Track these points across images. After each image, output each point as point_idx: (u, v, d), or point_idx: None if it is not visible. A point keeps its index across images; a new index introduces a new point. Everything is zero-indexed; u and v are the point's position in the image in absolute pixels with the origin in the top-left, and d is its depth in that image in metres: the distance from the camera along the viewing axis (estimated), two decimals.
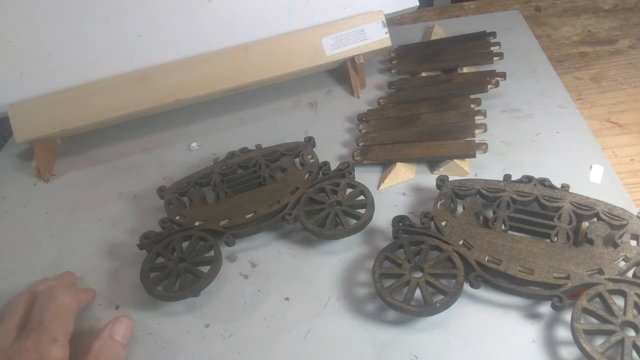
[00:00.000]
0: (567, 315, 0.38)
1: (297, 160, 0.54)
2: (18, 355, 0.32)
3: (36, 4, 0.60)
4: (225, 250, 0.48)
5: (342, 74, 0.68)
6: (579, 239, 0.42)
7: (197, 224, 0.48)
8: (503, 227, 0.43)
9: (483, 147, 0.50)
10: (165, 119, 0.67)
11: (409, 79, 0.64)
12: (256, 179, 0.52)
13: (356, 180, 0.50)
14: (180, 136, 0.65)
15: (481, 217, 0.45)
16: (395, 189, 0.52)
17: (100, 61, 0.62)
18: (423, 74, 0.64)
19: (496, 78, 0.58)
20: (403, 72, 0.66)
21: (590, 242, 0.41)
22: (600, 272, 0.38)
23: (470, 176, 0.51)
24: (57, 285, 0.39)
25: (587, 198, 0.43)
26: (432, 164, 0.53)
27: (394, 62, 0.67)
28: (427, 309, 0.38)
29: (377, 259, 0.42)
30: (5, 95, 0.61)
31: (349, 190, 0.49)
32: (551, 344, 0.38)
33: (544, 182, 0.46)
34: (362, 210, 0.46)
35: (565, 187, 0.45)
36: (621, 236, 0.40)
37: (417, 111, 0.58)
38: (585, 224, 0.42)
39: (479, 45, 0.65)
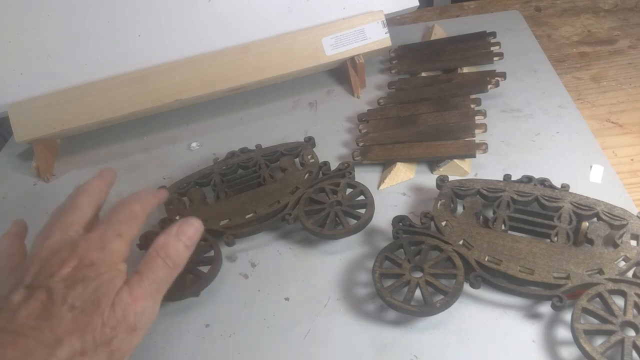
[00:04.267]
0: (567, 315, 0.38)
1: (297, 160, 0.54)
2: (83, 242, 0.32)
3: (36, 4, 0.60)
4: (225, 250, 0.48)
5: (342, 74, 0.68)
6: (579, 239, 0.42)
7: None
8: (503, 227, 0.43)
9: (483, 147, 0.50)
10: (165, 119, 0.67)
11: (409, 79, 0.64)
12: (256, 179, 0.52)
13: (356, 180, 0.50)
14: (180, 136, 0.65)
15: (481, 217, 0.45)
16: (395, 189, 0.52)
17: (100, 61, 0.62)
18: (423, 74, 0.64)
19: (496, 78, 0.58)
20: (403, 72, 0.66)
21: (590, 242, 0.41)
22: (600, 272, 0.38)
23: (470, 176, 0.51)
24: (132, 194, 0.38)
25: (587, 198, 0.43)
26: (432, 164, 0.53)
27: (394, 62, 0.67)
28: (427, 309, 0.38)
29: (377, 259, 0.42)
30: (5, 95, 0.61)
31: (349, 190, 0.49)
32: (551, 344, 0.38)
33: (544, 182, 0.46)
34: (362, 210, 0.46)
35: (565, 187, 0.45)
36: (621, 236, 0.40)
37: (417, 111, 0.58)
38: (585, 224, 0.42)
39: (479, 45, 0.65)
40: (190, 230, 0.35)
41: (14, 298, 0.30)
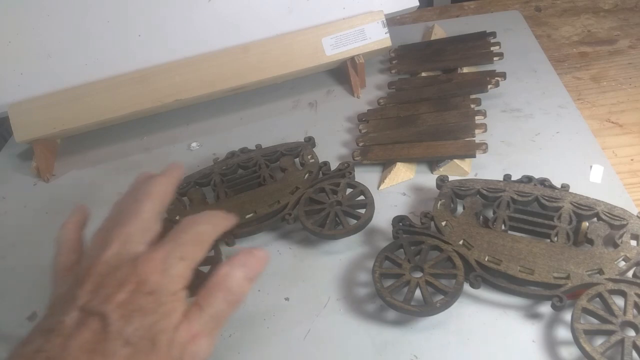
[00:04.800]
0: (567, 315, 0.38)
1: (297, 160, 0.54)
2: (145, 261, 0.30)
3: (36, 4, 0.60)
4: (225, 250, 0.48)
5: (342, 74, 0.68)
6: (579, 239, 0.42)
7: None
8: (503, 227, 0.43)
9: (483, 147, 0.51)
10: (165, 119, 0.67)
11: (409, 79, 0.64)
12: (256, 179, 0.52)
13: (356, 180, 0.50)
14: (180, 136, 0.65)
15: (481, 217, 0.45)
16: (395, 189, 0.52)
17: (100, 61, 0.62)
18: (423, 74, 0.64)
19: (496, 78, 0.58)
20: (403, 72, 0.66)
21: (590, 242, 0.41)
22: (600, 272, 0.38)
23: (470, 176, 0.51)
24: (202, 214, 0.35)
25: (587, 198, 0.43)
26: (432, 164, 0.53)
27: (394, 62, 0.67)
28: (427, 309, 0.38)
29: (377, 259, 0.42)
30: (5, 95, 0.61)
31: (349, 190, 0.49)
32: (551, 344, 0.38)
33: (544, 182, 0.46)
34: (362, 210, 0.46)
35: (565, 187, 0.45)
36: (621, 236, 0.40)
37: (417, 111, 0.58)
38: (585, 224, 0.42)
39: (479, 45, 0.65)
40: (253, 261, 0.33)
41: (67, 321, 0.28)
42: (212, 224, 0.34)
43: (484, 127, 0.53)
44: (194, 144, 0.63)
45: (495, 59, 0.62)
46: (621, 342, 0.34)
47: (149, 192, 0.34)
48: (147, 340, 0.28)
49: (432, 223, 0.44)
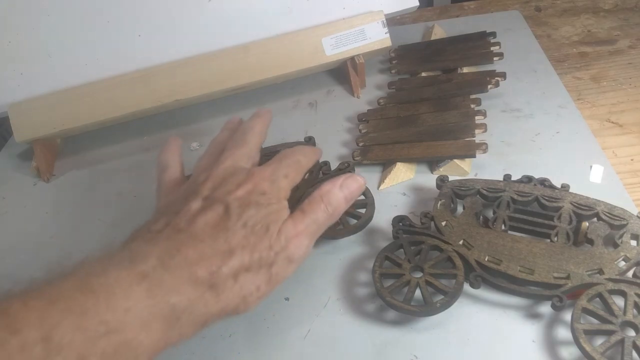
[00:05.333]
0: (567, 315, 0.38)
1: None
2: (257, 171, 0.36)
3: (36, 4, 0.60)
4: None
5: (342, 74, 0.68)
6: (579, 239, 0.42)
7: None
8: (503, 227, 0.43)
9: (483, 147, 0.51)
10: (165, 119, 0.67)
11: (409, 79, 0.64)
12: None
13: None
14: (180, 136, 0.64)
15: (481, 217, 0.45)
16: (395, 189, 0.52)
17: (100, 61, 0.62)
18: (423, 74, 0.64)
19: (496, 78, 0.58)
20: (403, 72, 0.66)
21: (590, 242, 0.41)
22: (600, 272, 0.38)
23: (470, 176, 0.51)
24: (298, 147, 0.41)
25: (587, 198, 0.43)
26: (432, 164, 0.53)
27: (394, 62, 0.67)
28: (427, 309, 0.38)
29: (377, 259, 0.42)
30: (5, 95, 0.61)
31: None
32: (551, 344, 0.38)
33: (544, 182, 0.46)
34: (362, 210, 0.46)
35: (565, 187, 0.45)
36: (621, 236, 0.40)
37: (417, 111, 0.58)
38: (585, 224, 0.42)
39: (479, 45, 0.65)
40: (354, 185, 0.37)
41: (193, 205, 0.33)
42: (306, 156, 0.40)
43: (484, 127, 0.53)
44: (194, 144, 0.63)
45: (495, 59, 0.62)
46: (621, 342, 0.34)
47: (253, 128, 0.41)
48: (261, 225, 0.33)
49: (432, 223, 0.44)
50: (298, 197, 0.49)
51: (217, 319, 0.31)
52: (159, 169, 0.42)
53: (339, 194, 0.37)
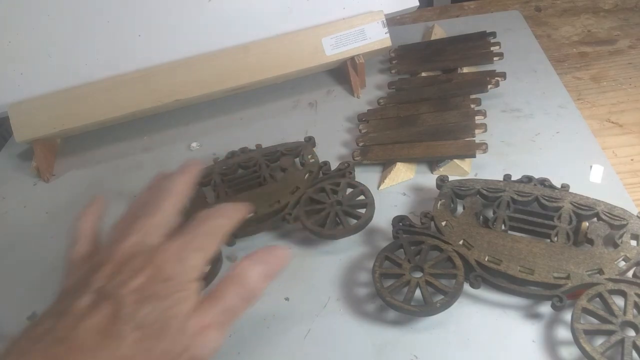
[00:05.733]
0: (567, 315, 0.38)
1: (297, 160, 0.54)
2: (162, 250, 0.30)
3: (36, 4, 0.60)
4: (225, 250, 0.48)
5: (342, 74, 0.68)
6: (579, 239, 0.42)
7: None
8: (503, 227, 0.43)
9: (483, 147, 0.51)
10: (165, 119, 0.67)
11: (409, 79, 0.64)
12: (256, 179, 0.52)
13: (356, 180, 0.50)
14: (180, 136, 0.65)
15: (481, 217, 0.45)
16: (395, 189, 0.52)
17: (100, 61, 0.62)
18: (423, 74, 0.64)
19: (496, 78, 0.58)
20: (403, 72, 0.66)
21: (590, 242, 0.41)
22: (600, 272, 0.38)
23: (470, 176, 0.51)
24: (217, 208, 0.35)
25: (587, 198, 0.43)
26: (432, 164, 0.53)
27: (394, 62, 0.67)
28: (427, 309, 0.38)
29: (377, 259, 0.42)
30: (5, 95, 0.61)
31: (349, 190, 0.49)
32: (551, 344, 0.38)
33: (544, 182, 0.46)
34: (362, 210, 0.46)
35: (565, 187, 0.45)
36: (621, 236, 0.40)
37: (417, 111, 0.58)
38: (585, 224, 0.42)
39: (479, 45, 0.65)
40: (275, 260, 0.33)
41: (80, 303, 0.28)
42: (226, 217, 0.34)
43: (484, 127, 0.53)
44: (194, 144, 0.63)
45: (495, 59, 0.62)
46: (621, 342, 0.34)
47: (170, 190, 0.35)
48: (158, 325, 0.28)
49: (432, 223, 0.44)
50: (298, 197, 0.49)
51: None
52: (70, 238, 0.36)
53: (255, 273, 0.32)
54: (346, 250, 0.47)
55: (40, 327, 0.28)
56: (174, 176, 0.37)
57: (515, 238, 0.42)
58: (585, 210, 0.42)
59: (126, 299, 0.28)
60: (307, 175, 0.51)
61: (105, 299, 0.28)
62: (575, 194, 0.44)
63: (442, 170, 0.52)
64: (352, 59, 0.64)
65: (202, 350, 0.29)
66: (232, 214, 0.35)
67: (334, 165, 0.53)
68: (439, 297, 0.39)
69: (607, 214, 0.42)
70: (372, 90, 0.66)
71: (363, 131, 0.57)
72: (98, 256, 0.32)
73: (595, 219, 0.42)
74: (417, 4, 0.66)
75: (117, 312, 0.27)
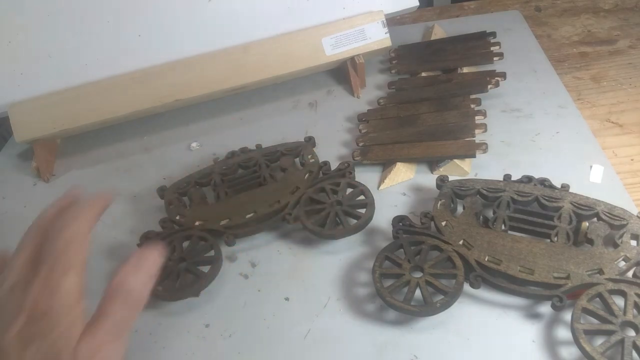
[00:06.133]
0: (567, 315, 0.38)
1: (297, 160, 0.54)
2: (29, 292, 0.29)
3: (36, 4, 0.60)
4: (225, 250, 0.48)
5: (342, 74, 0.68)
6: (579, 239, 0.42)
7: (197, 223, 0.49)
8: (503, 227, 0.43)
9: (483, 147, 0.51)
10: (165, 119, 0.67)
11: (409, 79, 0.64)
12: (256, 179, 0.52)
13: (356, 180, 0.50)
14: (180, 136, 0.65)
15: (481, 217, 0.45)
16: (395, 189, 0.52)
17: (100, 61, 0.62)
18: (423, 74, 0.64)
19: (496, 78, 0.58)
20: (403, 72, 0.66)
21: (590, 242, 0.41)
22: (600, 272, 0.38)
23: (470, 176, 0.51)
24: (65, 212, 0.33)
25: (587, 198, 0.43)
26: (432, 164, 0.53)
27: (394, 62, 0.67)
28: (427, 309, 0.38)
29: (377, 259, 0.42)
30: (5, 95, 0.61)
31: (349, 190, 0.49)
32: (551, 344, 0.38)
33: (544, 182, 0.46)
34: (362, 210, 0.46)
35: (565, 187, 0.45)
36: (621, 236, 0.40)
37: (417, 111, 0.58)
38: (585, 224, 0.42)
39: (479, 45, 0.65)
40: (148, 263, 0.32)
41: None
42: (80, 218, 0.32)
43: (484, 127, 0.53)
44: (194, 144, 0.63)
45: (495, 59, 0.62)
46: (621, 342, 0.34)
47: (30, 227, 0.33)
48: (52, 358, 0.27)
49: (432, 223, 0.44)
50: (298, 197, 0.49)
51: None
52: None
53: (134, 279, 0.31)
54: (346, 250, 0.47)
55: None
56: (78, 210, 0.33)
57: (515, 238, 0.42)
58: (585, 210, 0.42)
59: (11, 346, 0.27)
60: (307, 175, 0.51)
61: None
62: (575, 194, 0.44)
63: (442, 170, 0.52)
64: (352, 59, 0.64)
65: None
66: (85, 212, 0.32)
67: (334, 165, 0.53)
68: (439, 297, 0.39)
69: (607, 214, 0.42)
70: (372, 90, 0.66)
71: (363, 131, 0.57)
72: None
73: (595, 219, 0.42)
74: (417, 4, 0.66)
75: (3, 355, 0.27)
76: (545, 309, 0.39)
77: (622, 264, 0.39)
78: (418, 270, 0.41)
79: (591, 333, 0.35)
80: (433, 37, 0.71)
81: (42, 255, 0.31)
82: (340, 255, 0.47)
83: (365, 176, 0.53)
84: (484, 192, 0.46)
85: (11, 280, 0.30)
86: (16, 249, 0.33)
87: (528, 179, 0.46)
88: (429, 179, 0.52)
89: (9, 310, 0.29)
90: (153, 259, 0.32)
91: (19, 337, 0.28)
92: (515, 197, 0.45)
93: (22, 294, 0.29)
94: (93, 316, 0.30)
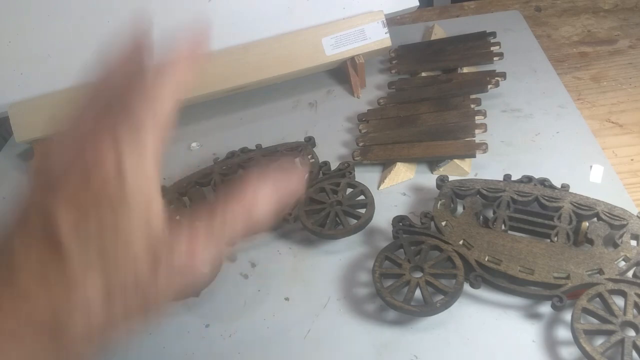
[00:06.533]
0: (567, 315, 0.38)
1: (297, 160, 0.54)
2: (86, 140, 0.23)
3: (36, 4, 0.60)
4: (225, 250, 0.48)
5: (342, 74, 0.68)
6: (579, 239, 0.42)
7: None
8: (503, 227, 0.43)
9: (483, 147, 0.50)
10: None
11: (409, 79, 0.64)
12: None
13: (356, 180, 0.50)
14: (180, 136, 0.65)
15: (481, 217, 0.45)
16: (395, 189, 0.52)
17: None
18: (423, 74, 0.64)
19: (496, 78, 0.58)
20: (403, 72, 0.66)
21: (590, 242, 0.41)
22: (600, 272, 0.38)
23: (470, 176, 0.51)
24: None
25: (587, 198, 0.43)
26: (432, 164, 0.53)
27: (394, 62, 0.67)
28: (427, 309, 0.38)
29: (377, 259, 0.42)
30: (5, 95, 0.61)
31: (349, 190, 0.49)
32: (551, 344, 0.38)
33: (544, 182, 0.46)
34: (362, 210, 0.46)
35: (565, 187, 0.45)
36: (621, 236, 0.40)
37: (417, 111, 0.58)
38: (585, 224, 0.42)
39: (479, 45, 0.65)
40: (287, 185, 0.26)
41: (17, 215, 0.24)
42: (175, 72, 0.26)
43: (484, 127, 0.53)
44: (194, 144, 0.63)
45: (495, 59, 0.62)
46: (621, 342, 0.34)
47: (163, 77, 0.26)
48: (112, 256, 0.22)
49: (432, 223, 0.44)
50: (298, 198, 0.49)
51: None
52: None
53: (265, 199, 0.26)
54: (346, 250, 0.47)
55: None
56: (165, 68, 0.27)
57: (515, 238, 0.42)
58: (585, 210, 0.42)
59: (57, 212, 0.22)
60: (307, 175, 0.51)
61: (37, 213, 0.23)
62: (575, 194, 0.44)
63: (442, 170, 0.52)
64: (352, 59, 0.64)
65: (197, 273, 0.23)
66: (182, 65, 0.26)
67: (334, 165, 0.53)
68: (439, 297, 0.39)
69: (607, 214, 0.42)
70: (372, 90, 0.66)
71: (363, 131, 0.57)
72: (52, 153, 0.25)
73: (595, 219, 0.42)
74: (417, 4, 0.66)
75: (57, 241, 0.21)
76: (545, 309, 0.39)
77: (622, 264, 0.39)
78: (418, 270, 0.41)
79: (591, 333, 0.35)
80: (433, 37, 0.71)
81: (116, 107, 0.24)
82: (340, 255, 0.47)
83: (365, 176, 0.53)
84: (484, 192, 0.46)
85: (74, 131, 0.24)
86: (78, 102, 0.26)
87: (528, 179, 0.46)
88: (429, 179, 0.52)
89: (64, 165, 0.23)
90: (296, 186, 0.27)
91: (72, 202, 0.22)
92: (515, 197, 0.45)
93: (86, 148, 0.23)
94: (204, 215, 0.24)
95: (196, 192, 0.52)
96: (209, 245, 0.24)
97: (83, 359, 0.23)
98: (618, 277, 0.38)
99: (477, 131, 0.53)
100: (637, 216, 0.41)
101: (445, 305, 0.38)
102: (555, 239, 0.41)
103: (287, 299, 0.44)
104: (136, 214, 0.22)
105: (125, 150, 0.22)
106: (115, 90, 0.25)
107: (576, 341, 0.35)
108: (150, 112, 0.24)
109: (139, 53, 0.26)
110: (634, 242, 0.40)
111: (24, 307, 0.21)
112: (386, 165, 0.54)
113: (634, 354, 0.34)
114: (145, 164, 0.23)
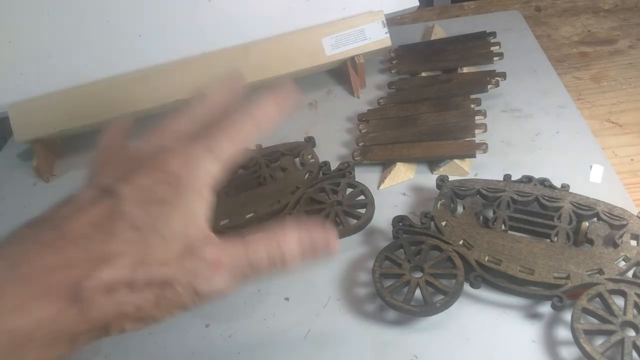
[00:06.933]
0: (567, 315, 0.38)
1: (297, 160, 0.54)
2: (165, 152, 0.28)
3: (36, 4, 0.60)
4: None
5: (342, 74, 0.68)
6: (579, 239, 0.42)
7: None
8: (503, 227, 0.43)
9: (483, 147, 0.50)
10: (165, 119, 0.67)
11: (409, 79, 0.64)
12: (256, 179, 0.52)
13: (356, 180, 0.50)
14: None
15: (481, 217, 0.45)
16: (395, 189, 0.52)
17: (100, 61, 0.62)
18: (423, 74, 0.64)
19: (496, 78, 0.58)
20: (403, 72, 0.66)
21: (590, 242, 0.41)
22: (600, 272, 0.38)
23: (470, 176, 0.51)
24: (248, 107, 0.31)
25: (587, 198, 0.43)
26: (432, 164, 0.53)
27: (394, 62, 0.67)
28: (427, 309, 0.38)
29: (377, 259, 0.42)
30: (5, 95, 0.61)
31: (349, 190, 0.49)
32: (551, 344, 0.38)
33: (544, 182, 0.46)
34: (362, 210, 0.46)
35: (565, 187, 0.45)
36: (621, 236, 0.40)
37: (417, 111, 0.58)
38: (585, 224, 0.42)
39: (479, 45, 0.65)
40: (320, 244, 0.29)
41: (84, 195, 0.28)
42: (253, 117, 0.30)
43: (484, 127, 0.53)
44: None
45: (495, 59, 0.62)
46: (621, 342, 0.34)
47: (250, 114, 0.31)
48: (156, 231, 0.26)
49: (432, 223, 0.44)
50: (298, 197, 0.49)
51: (86, 340, 0.25)
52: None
53: (295, 242, 0.28)
54: (346, 250, 0.47)
55: (43, 215, 0.28)
56: (259, 102, 0.32)
57: (515, 238, 0.42)
58: (585, 210, 0.42)
59: (127, 196, 0.26)
60: (307, 175, 0.51)
61: (107, 193, 0.27)
62: (575, 194, 0.44)
63: (442, 170, 0.52)
64: (352, 59, 0.64)
65: (207, 284, 0.26)
66: (260, 114, 0.31)
67: (334, 165, 0.53)
68: (439, 297, 0.39)
69: (607, 214, 0.42)
70: (372, 90, 0.66)
71: (363, 131, 0.57)
72: (118, 156, 0.31)
73: (595, 219, 0.42)
74: (417, 4, 0.66)
75: (116, 208, 0.26)
76: (545, 309, 0.39)
77: (622, 264, 0.39)
78: (418, 270, 0.41)
79: (591, 333, 0.35)
80: (433, 37, 0.71)
81: (204, 126, 0.30)
82: (340, 255, 0.47)
83: (365, 176, 0.53)
84: (484, 192, 0.46)
85: (157, 140, 0.30)
86: (172, 116, 0.32)
87: (528, 179, 0.46)
88: (429, 179, 0.52)
89: (140, 161, 0.28)
90: (326, 244, 0.29)
91: (139, 191, 0.27)
92: (515, 197, 0.45)
93: (157, 152, 0.28)
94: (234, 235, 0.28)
95: None
96: (232, 266, 0.27)
97: (89, 343, 0.25)
98: (618, 277, 0.38)
99: (477, 131, 0.53)
100: (637, 216, 0.41)
101: (445, 305, 0.38)
102: (555, 239, 0.41)
103: (287, 299, 0.44)
104: (179, 215, 0.26)
105: (191, 161, 0.27)
106: (206, 116, 0.32)
107: (576, 341, 0.35)
108: (225, 144, 0.29)
109: (230, 97, 0.33)
110: (634, 242, 0.40)
111: (67, 252, 0.25)
112: (386, 165, 0.54)
113: (634, 354, 0.34)
114: (201, 180, 0.27)
